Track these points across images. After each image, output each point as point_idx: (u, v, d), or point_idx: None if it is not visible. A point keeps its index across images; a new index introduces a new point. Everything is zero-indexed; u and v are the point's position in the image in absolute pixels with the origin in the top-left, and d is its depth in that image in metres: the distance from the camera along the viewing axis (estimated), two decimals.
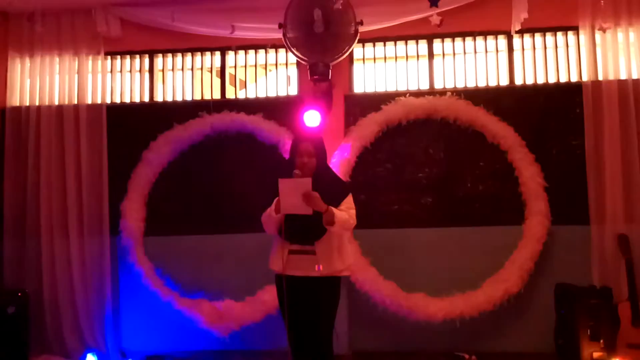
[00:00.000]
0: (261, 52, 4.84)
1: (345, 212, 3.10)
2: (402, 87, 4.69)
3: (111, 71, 4.90)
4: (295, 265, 3.07)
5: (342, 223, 3.05)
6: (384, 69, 4.82)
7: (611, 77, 4.29)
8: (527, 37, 4.60)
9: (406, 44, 4.72)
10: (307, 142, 3.18)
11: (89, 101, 4.66)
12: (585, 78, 4.36)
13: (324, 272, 3.04)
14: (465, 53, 4.69)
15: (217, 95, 4.89)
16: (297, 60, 4.52)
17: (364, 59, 4.77)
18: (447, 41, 4.68)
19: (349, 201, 3.16)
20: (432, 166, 4.52)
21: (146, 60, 4.90)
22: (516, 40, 4.59)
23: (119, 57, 4.89)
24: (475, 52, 4.70)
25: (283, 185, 2.97)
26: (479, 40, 4.67)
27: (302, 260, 3.06)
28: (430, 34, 4.58)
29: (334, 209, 3.02)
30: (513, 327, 4.28)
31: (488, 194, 4.45)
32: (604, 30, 4.22)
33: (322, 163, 3.21)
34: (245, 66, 4.96)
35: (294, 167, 3.11)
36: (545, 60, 4.59)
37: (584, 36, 4.36)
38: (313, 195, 2.94)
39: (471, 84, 4.66)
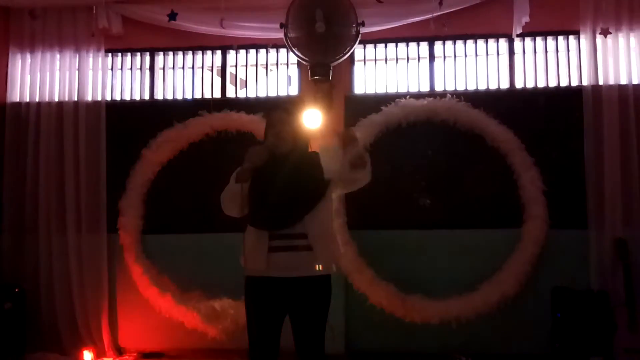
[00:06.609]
0: (262, 51, 4.84)
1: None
2: (402, 89, 4.69)
3: (112, 68, 4.90)
4: (279, 264, 2.55)
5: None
6: (384, 70, 4.81)
7: (612, 81, 4.29)
8: (528, 41, 4.60)
9: (407, 45, 4.72)
10: (280, 110, 2.72)
11: (89, 98, 4.65)
12: (585, 82, 4.35)
13: (322, 270, 2.56)
14: (466, 55, 4.69)
15: (217, 94, 4.88)
16: (297, 60, 4.52)
17: (364, 60, 4.76)
18: (448, 43, 4.68)
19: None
20: (431, 168, 4.52)
21: (147, 58, 4.90)
22: (517, 43, 4.59)
23: (119, 54, 4.89)
24: (476, 54, 4.71)
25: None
26: (480, 42, 4.66)
27: (290, 258, 2.53)
28: (431, 36, 4.56)
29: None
30: (509, 330, 4.27)
31: (487, 197, 4.44)
32: (605, 34, 4.22)
33: (301, 137, 2.70)
34: (246, 65, 4.95)
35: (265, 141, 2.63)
36: (546, 64, 4.59)
37: (585, 40, 4.36)
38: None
39: (471, 87, 4.65)
